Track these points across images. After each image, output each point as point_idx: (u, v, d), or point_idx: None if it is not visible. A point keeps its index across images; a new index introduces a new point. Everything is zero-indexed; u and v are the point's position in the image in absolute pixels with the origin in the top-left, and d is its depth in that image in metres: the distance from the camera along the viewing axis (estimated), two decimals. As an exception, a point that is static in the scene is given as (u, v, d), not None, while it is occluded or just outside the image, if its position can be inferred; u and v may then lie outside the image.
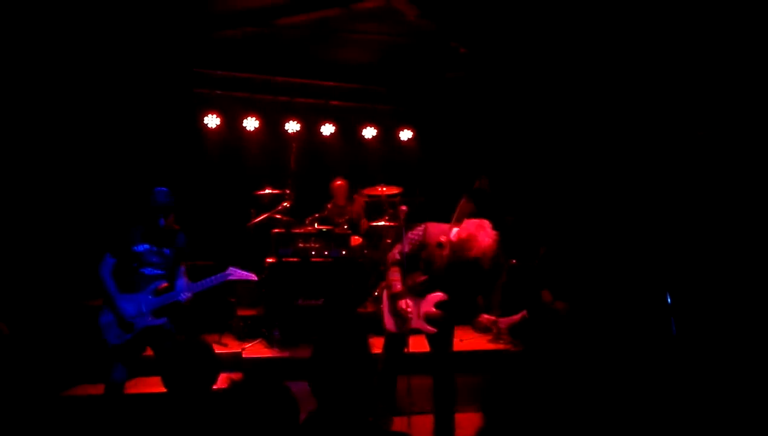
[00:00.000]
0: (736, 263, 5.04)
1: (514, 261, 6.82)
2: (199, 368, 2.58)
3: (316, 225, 7.05)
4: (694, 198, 5.47)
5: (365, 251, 7.16)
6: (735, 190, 5.16)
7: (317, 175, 8.10)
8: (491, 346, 6.29)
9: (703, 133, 5.46)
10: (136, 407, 4.33)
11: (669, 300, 4.92)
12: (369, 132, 8.66)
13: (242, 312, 6.72)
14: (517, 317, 6.42)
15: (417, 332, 4.12)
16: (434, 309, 4.03)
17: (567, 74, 6.73)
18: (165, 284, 4.17)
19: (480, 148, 8.12)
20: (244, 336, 6.34)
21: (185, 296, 4.13)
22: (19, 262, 5.81)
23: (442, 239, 3.99)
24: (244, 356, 5.80)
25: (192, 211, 7.12)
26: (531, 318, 6.17)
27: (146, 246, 4.14)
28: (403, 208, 4.35)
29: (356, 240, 7.12)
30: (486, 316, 5.16)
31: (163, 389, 2.60)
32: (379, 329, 4.33)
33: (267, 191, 6.93)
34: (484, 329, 6.62)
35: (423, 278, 4.07)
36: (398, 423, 4.11)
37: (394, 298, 4.03)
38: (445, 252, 3.97)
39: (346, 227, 7.15)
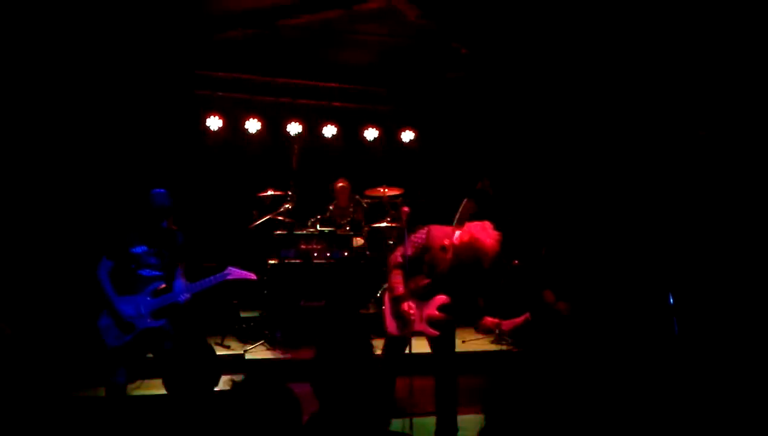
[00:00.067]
0: (737, 263, 5.03)
1: (516, 262, 6.81)
2: (200, 370, 2.58)
3: (318, 226, 7.05)
4: (695, 198, 5.46)
5: (367, 253, 7.15)
6: (736, 190, 5.16)
7: (319, 176, 8.10)
8: (493, 347, 6.29)
9: (705, 134, 5.45)
10: (139, 408, 4.33)
11: (671, 300, 4.91)
12: (371, 133, 8.66)
13: (245, 314, 6.72)
14: (520, 319, 6.42)
15: (418, 334, 4.12)
16: (437, 312, 4.03)
17: (568, 74, 6.72)
18: (163, 286, 4.17)
19: (482, 149, 8.12)
20: (246, 338, 6.34)
21: (184, 297, 4.13)
22: (19, 263, 5.82)
23: (446, 241, 3.98)
24: (246, 357, 5.81)
25: (194, 213, 7.16)
26: (534, 319, 6.17)
27: (144, 248, 4.12)
28: (405, 209, 4.34)
29: (358, 241, 7.12)
30: (489, 318, 5.16)
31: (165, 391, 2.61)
32: (380, 331, 4.32)
33: (269, 193, 6.93)
34: (486, 331, 6.61)
35: (426, 281, 4.06)
36: (400, 424, 4.10)
37: (397, 301, 4.02)
38: (449, 255, 3.96)
39: (348, 228, 7.15)
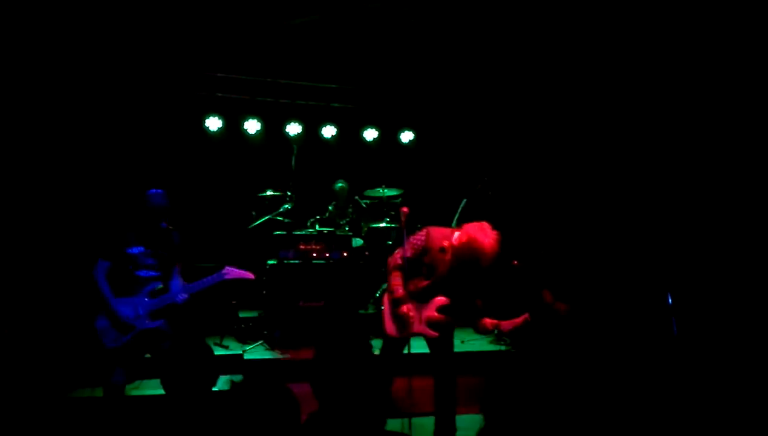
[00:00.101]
0: (737, 263, 5.03)
1: (515, 262, 6.81)
2: (198, 370, 2.58)
3: (317, 227, 7.05)
4: (695, 198, 5.46)
5: (366, 253, 7.16)
6: (736, 190, 5.16)
7: (318, 177, 8.10)
8: (492, 347, 6.29)
9: (705, 134, 5.45)
10: (137, 408, 4.33)
11: (670, 300, 4.91)
12: (370, 134, 8.65)
13: (243, 314, 6.72)
14: (519, 319, 6.40)
15: (417, 336, 4.11)
16: (436, 314, 4.02)
17: (568, 74, 6.73)
18: (161, 286, 4.16)
19: (481, 150, 8.12)
20: (245, 338, 6.34)
21: (182, 297, 4.13)
22: (17, 263, 5.82)
23: (445, 243, 3.97)
24: (245, 357, 5.81)
25: (194, 213, 7.16)
26: (532, 319, 6.16)
27: (141, 248, 4.12)
28: (405, 209, 4.34)
29: (358, 242, 7.12)
30: (488, 319, 5.11)
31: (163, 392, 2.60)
32: (378, 332, 4.31)
33: (268, 193, 6.94)
34: (485, 332, 6.59)
35: (425, 282, 4.06)
36: (399, 424, 4.10)
37: (396, 303, 4.02)
38: (448, 257, 3.96)
39: (347, 228, 7.15)
